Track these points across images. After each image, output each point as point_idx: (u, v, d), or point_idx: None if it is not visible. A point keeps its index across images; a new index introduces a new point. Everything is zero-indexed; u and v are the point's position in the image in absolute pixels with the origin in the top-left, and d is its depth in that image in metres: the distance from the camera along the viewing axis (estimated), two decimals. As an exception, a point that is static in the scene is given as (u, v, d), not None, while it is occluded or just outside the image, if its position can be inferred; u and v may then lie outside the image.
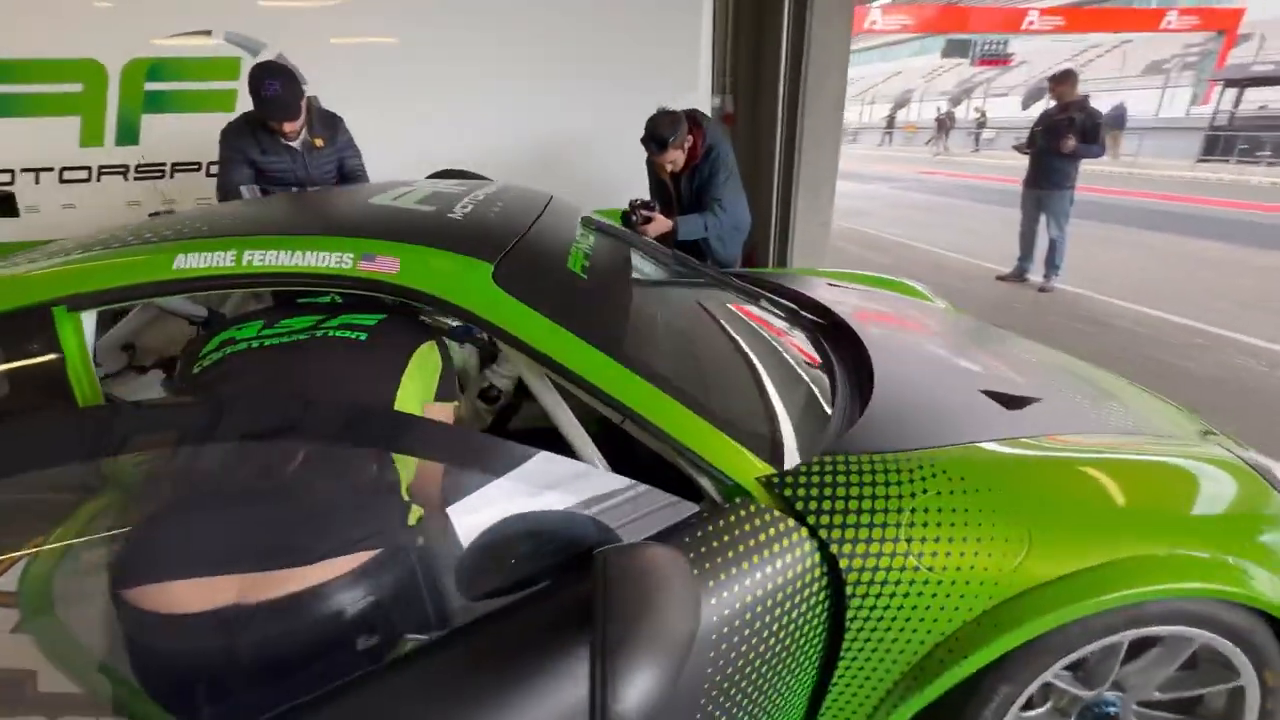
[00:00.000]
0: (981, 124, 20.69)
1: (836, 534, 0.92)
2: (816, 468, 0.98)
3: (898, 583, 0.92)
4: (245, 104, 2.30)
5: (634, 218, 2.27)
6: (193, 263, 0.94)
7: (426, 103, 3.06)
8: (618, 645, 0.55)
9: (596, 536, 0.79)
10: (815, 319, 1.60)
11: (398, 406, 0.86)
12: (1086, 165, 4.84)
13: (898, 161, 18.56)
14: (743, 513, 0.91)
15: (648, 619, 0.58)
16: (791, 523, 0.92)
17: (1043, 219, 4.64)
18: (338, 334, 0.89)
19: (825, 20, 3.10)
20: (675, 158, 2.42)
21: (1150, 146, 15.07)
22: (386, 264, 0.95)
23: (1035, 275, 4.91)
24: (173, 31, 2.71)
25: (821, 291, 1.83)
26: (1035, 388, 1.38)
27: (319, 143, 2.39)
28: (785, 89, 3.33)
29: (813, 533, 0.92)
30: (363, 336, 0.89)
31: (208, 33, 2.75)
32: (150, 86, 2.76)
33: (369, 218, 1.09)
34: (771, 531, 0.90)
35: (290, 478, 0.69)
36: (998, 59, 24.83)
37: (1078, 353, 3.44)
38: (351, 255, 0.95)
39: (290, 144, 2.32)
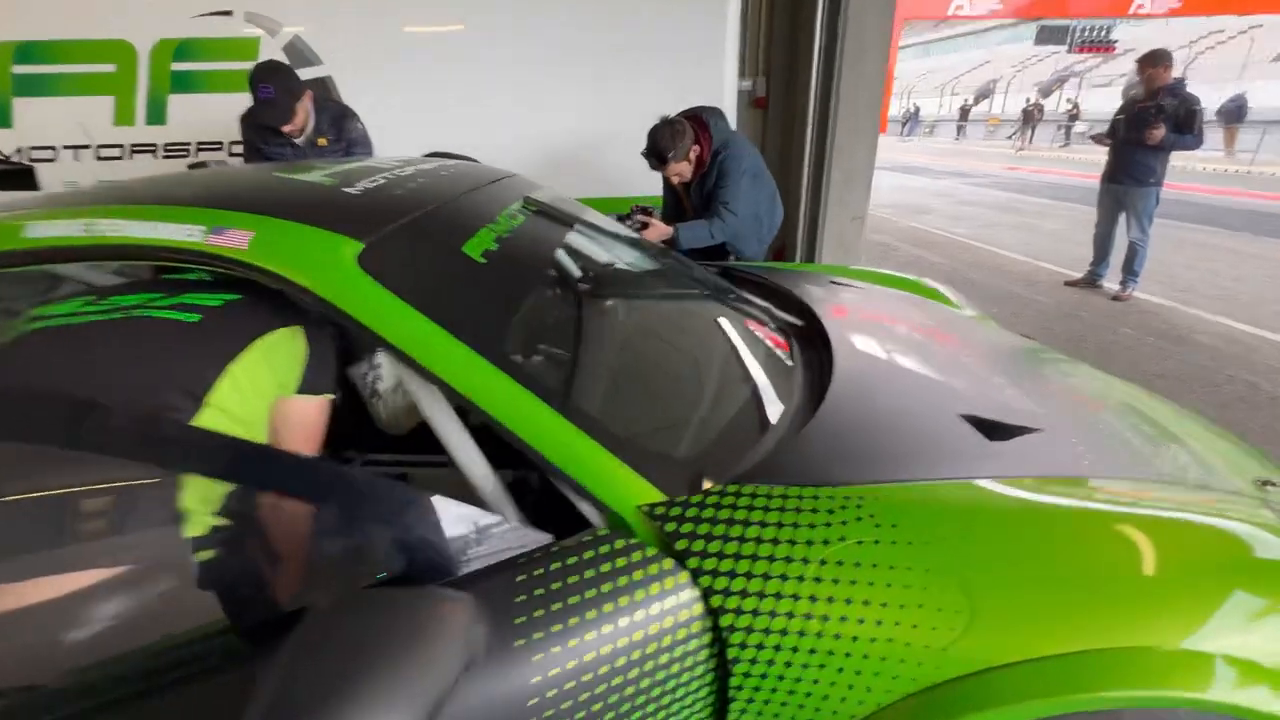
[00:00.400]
0: (1074, 116, 19.05)
1: (722, 583, 0.76)
2: (714, 498, 0.82)
3: (795, 649, 0.75)
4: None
5: (628, 223, 2.14)
6: (43, 231, 0.88)
7: (440, 88, 3.00)
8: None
9: (400, 568, 0.66)
10: (790, 320, 1.41)
11: (217, 399, 0.76)
12: (1189, 162, 4.29)
13: (976, 156, 17.38)
14: (604, 548, 0.76)
15: (354, 695, 0.45)
16: (668, 564, 0.76)
17: (1122, 219, 4.14)
18: (165, 314, 0.79)
19: (864, -8, 2.82)
20: (680, 170, 2.29)
21: (1274, 142, 13.40)
22: (237, 238, 0.85)
23: (1111, 282, 4.40)
24: (196, 12, 2.77)
25: (811, 290, 1.63)
26: (1041, 417, 1.15)
27: (323, 142, 2.39)
28: (819, 69, 3.07)
29: (694, 578, 0.76)
30: (194, 318, 0.80)
31: (229, 13, 2.79)
32: (176, 67, 2.84)
33: (245, 189, 1.00)
34: (637, 574, 0.75)
35: (34, 478, 0.61)
36: (1099, 46, 22.72)
37: (1148, 371, 3.07)
38: (202, 227, 0.86)
39: (294, 141, 2.31)
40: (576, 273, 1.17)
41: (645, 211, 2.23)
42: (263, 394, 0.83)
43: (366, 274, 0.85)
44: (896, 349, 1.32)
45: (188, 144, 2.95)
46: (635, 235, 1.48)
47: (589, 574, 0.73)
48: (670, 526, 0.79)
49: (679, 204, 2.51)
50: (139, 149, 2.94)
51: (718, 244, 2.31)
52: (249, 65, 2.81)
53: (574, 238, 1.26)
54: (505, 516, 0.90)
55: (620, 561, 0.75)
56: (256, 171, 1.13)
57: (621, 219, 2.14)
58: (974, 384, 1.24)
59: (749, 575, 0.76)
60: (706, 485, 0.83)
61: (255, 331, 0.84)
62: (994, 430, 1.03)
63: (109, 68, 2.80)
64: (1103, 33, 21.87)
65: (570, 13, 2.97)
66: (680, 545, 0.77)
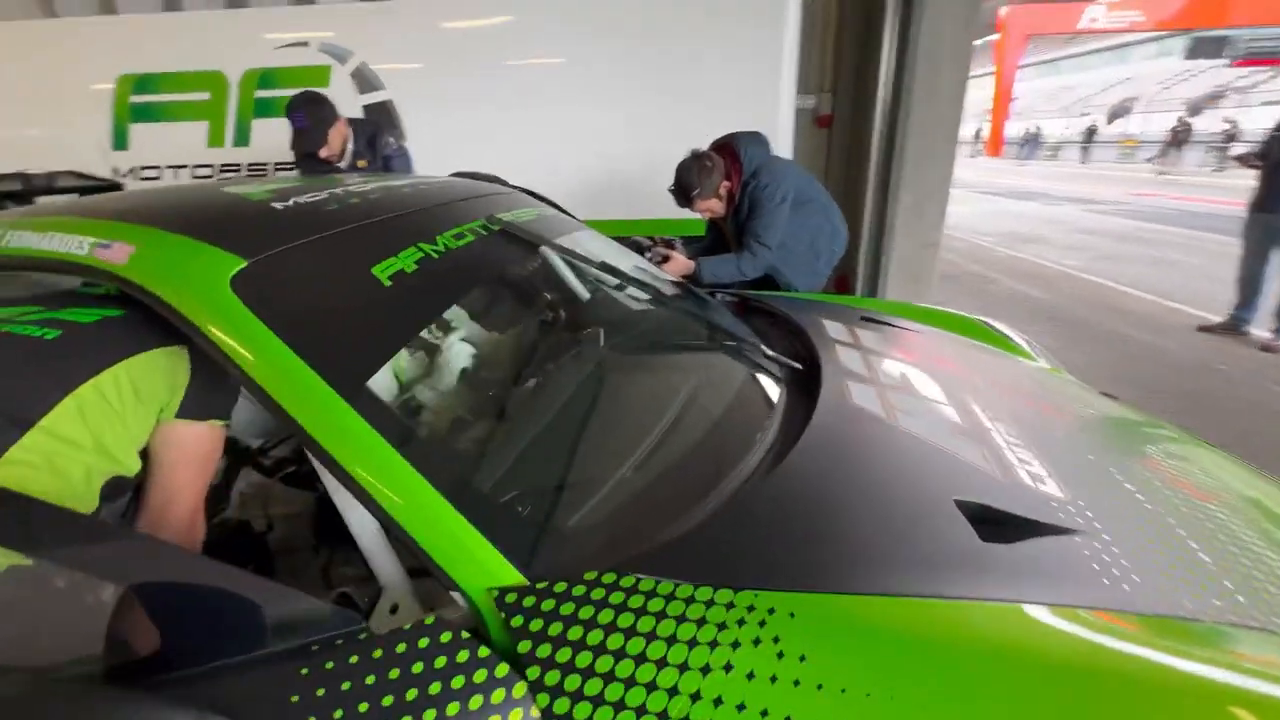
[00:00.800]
0: (1231, 136, 16.67)
1: (563, 706, 0.59)
2: (580, 588, 0.66)
3: (648, 810, 0.57)
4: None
5: (647, 255, 2.00)
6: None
7: (492, 110, 3.04)
8: None
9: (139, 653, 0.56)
10: (785, 364, 1.20)
11: (51, 421, 0.71)
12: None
13: (1103, 180, 15.64)
14: (422, 642, 0.62)
15: None
16: (501, 671, 0.61)
17: (1274, 256, 3.46)
18: (25, 330, 0.76)
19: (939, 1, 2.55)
20: (710, 207, 2.14)
21: None
22: (120, 252, 0.82)
23: (1260, 329, 3.68)
24: (279, 44, 3.00)
25: (828, 327, 1.41)
26: (1084, 511, 0.88)
27: (362, 164, 2.47)
28: (888, 85, 2.81)
29: (533, 693, 0.60)
30: (53, 335, 0.76)
31: (305, 44, 2.99)
32: (260, 94, 3.08)
33: (147, 202, 0.97)
34: (456, 682, 0.60)
35: None
36: (1266, 58, 19.87)
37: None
38: (90, 240, 0.83)
39: (337, 165, 2.40)
40: (509, 303, 1.04)
41: (667, 244, 2.09)
42: (121, 416, 0.77)
43: (236, 296, 0.78)
44: (906, 406, 1.09)
45: (266, 164, 3.18)
46: (628, 267, 1.33)
47: (393, 674, 0.59)
48: (517, 621, 0.64)
49: (720, 236, 2.34)
50: (227, 168, 3.21)
51: (754, 278, 2.12)
52: (322, 92, 3.04)
53: (529, 265, 1.14)
54: (379, 568, 0.79)
55: (439, 662, 0.61)
56: (188, 186, 1.11)
57: (641, 251, 2.01)
58: (998, 459, 0.98)
59: (599, 700, 0.59)
60: (570, 571, 0.67)
61: (124, 351, 0.78)
62: (994, 526, 0.78)
63: (204, 96, 3.09)
64: (1273, 43, 19.13)
65: (618, 33, 2.92)
66: (523, 647, 0.62)
